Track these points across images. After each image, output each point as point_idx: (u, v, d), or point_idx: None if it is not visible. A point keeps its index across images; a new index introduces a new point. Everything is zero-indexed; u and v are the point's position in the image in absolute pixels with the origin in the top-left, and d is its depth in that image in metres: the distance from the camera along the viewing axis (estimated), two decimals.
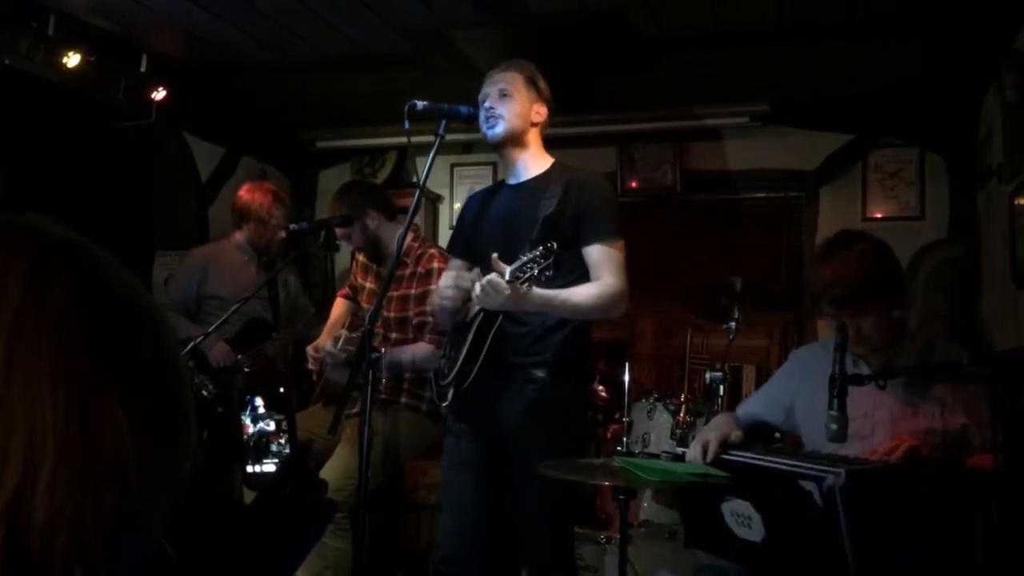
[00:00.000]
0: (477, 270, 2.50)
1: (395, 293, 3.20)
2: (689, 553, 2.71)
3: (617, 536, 2.40)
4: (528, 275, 2.07)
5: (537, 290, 2.15)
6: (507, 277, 2.10)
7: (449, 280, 2.46)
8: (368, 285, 3.41)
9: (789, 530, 1.90)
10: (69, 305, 0.55)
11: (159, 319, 0.62)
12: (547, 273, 2.07)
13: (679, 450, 2.34)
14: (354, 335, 3.10)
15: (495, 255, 2.15)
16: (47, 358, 0.53)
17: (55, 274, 0.56)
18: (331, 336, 3.31)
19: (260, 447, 0.99)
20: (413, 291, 3.19)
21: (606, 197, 2.52)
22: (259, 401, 1.00)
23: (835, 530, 1.71)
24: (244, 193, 3.81)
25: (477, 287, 2.18)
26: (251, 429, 0.99)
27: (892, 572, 1.79)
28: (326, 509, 0.94)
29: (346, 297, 3.58)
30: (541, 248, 2.06)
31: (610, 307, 2.39)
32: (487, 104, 2.52)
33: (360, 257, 3.47)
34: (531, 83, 2.55)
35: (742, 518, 1.96)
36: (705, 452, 2.11)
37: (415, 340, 3.17)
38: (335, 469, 2.93)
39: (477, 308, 2.40)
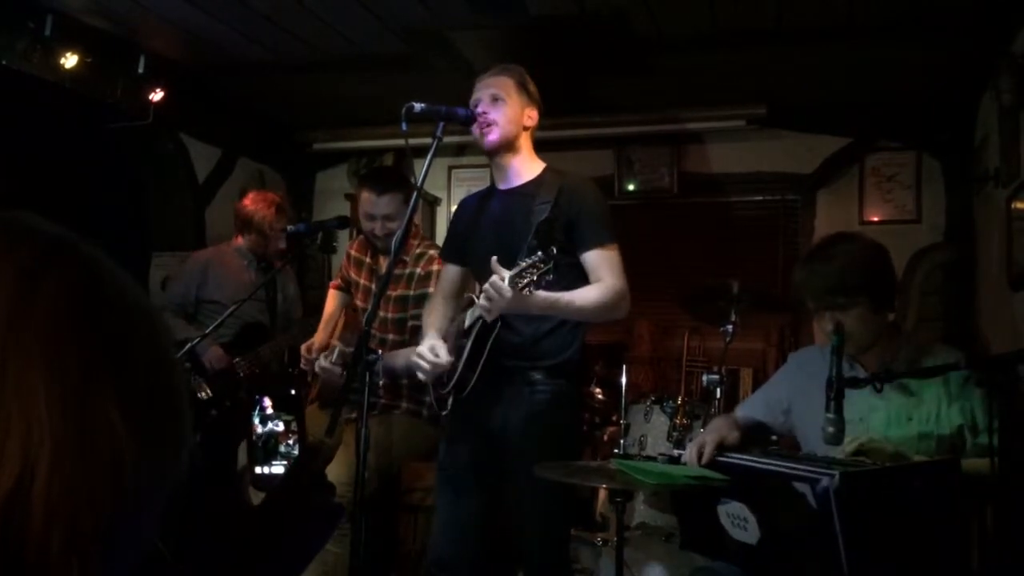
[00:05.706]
0: (447, 342, 2.48)
1: (393, 293, 3.17)
2: (685, 555, 2.71)
3: (613, 539, 2.40)
4: (528, 279, 2.06)
5: (541, 293, 2.14)
6: (506, 281, 2.10)
7: (426, 356, 2.41)
8: (362, 281, 3.37)
9: (784, 532, 1.90)
10: (63, 303, 0.55)
11: (154, 318, 0.62)
12: (547, 278, 2.06)
13: (676, 452, 2.34)
14: (348, 350, 3.06)
15: (495, 258, 2.14)
16: (41, 357, 0.53)
17: (49, 272, 0.56)
18: (325, 330, 3.32)
19: (268, 448, 0.98)
20: (412, 292, 3.17)
21: (598, 202, 2.51)
22: (267, 402, 0.99)
23: (829, 532, 1.71)
24: (248, 203, 3.82)
25: (482, 298, 2.18)
26: (259, 430, 0.98)
27: (886, 575, 1.79)
28: (333, 512, 0.93)
29: (339, 288, 3.56)
30: (541, 253, 2.05)
31: (613, 307, 2.39)
32: (480, 110, 2.49)
33: (352, 251, 3.44)
34: (522, 87, 2.53)
35: (738, 520, 1.96)
36: (700, 455, 2.11)
37: (412, 342, 3.15)
38: (331, 473, 2.91)
39: (476, 315, 2.40)
